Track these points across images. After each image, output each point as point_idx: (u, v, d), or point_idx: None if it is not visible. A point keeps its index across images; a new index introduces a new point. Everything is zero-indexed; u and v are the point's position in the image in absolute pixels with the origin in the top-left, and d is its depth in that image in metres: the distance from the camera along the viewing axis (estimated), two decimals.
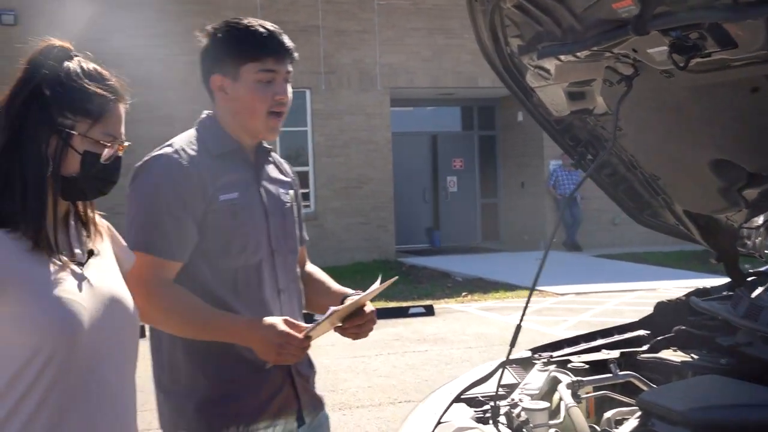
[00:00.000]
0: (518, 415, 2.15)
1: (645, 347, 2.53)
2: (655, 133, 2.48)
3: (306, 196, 15.06)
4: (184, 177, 2.15)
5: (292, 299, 2.33)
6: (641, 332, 2.70)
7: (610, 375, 2.33)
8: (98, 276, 1.78)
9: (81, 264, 1.77)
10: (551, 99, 2.53)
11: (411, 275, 13.67)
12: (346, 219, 15.34)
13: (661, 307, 2.79)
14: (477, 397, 2.50)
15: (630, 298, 10.72)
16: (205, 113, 2.35)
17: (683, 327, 2.53)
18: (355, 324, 2.20)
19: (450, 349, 8.04)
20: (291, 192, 2.40)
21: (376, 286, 2.20)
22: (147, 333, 2.33)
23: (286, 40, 2.21)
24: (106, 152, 1.77)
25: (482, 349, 7.98)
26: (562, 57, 2.16)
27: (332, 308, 2.11)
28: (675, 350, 2.45)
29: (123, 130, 1.84)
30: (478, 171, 18.25)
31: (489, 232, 18.20)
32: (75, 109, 1.75)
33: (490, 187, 18.28)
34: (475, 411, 2.38)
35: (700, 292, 2.76)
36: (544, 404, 2.14)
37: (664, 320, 2.72)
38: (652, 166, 2.67)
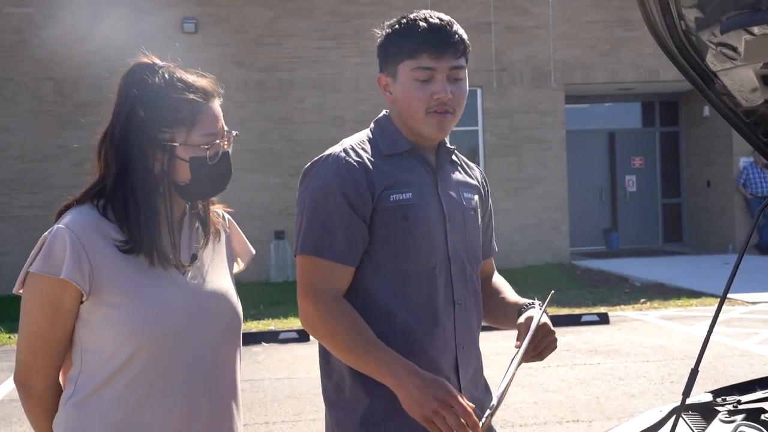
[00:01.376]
0: None
1: None
2: None
3: None
4: (351, 176, 2.02)
5: (469, 314, 2.15)
6: None
7: None
8: (199, 277, 1.94)
9: (185, 266, 1.91)
10: (739, 85, 2.08)
11: (585, 279, 13.03)
12: (518, 220, 14.85)
13: None
14: None
15: None
16: (382, 113, 2.22)
17: None
18: (538, 347, 2.01)
19: (625, 362, 7.46)
20: (476, 197, 2.24)
21: (545, 303, 2.06)
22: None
23: (449, 33, 2.03)
24: (210, 152, 1.87)
25: (661, 364, 7.34)
26: (755, 29, 1.72)
27: (513, 364, 1.89)
28: None
29: (223, 125, 1.91)
30: (660, 169, 17.22)
31: (671, 233, 17.14)
32: (169, 122, 1.85)
33: (672, 187, 17.22)
34: None
35: None
36: None
37: None
38: None
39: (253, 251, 2.17)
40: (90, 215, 1.85)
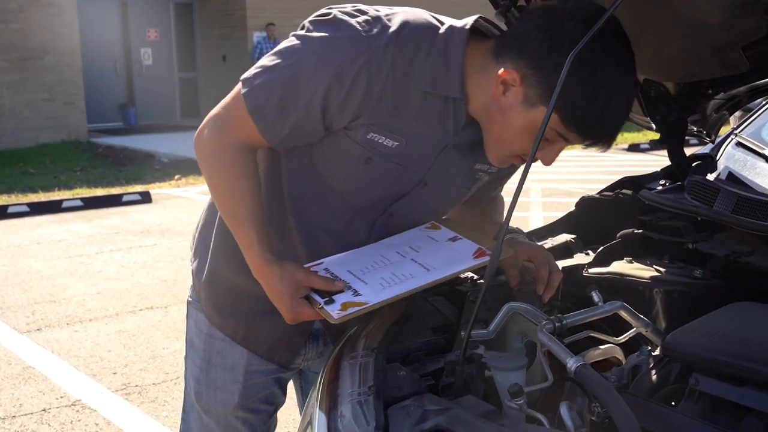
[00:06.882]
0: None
1: (585, 258, 1.95)
2: None
3: None
4: (352, 84, 1.46)
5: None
6: (566, 236, 2.09)
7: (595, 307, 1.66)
8: None
9: None
10: None
11: (110, 157, 12.33)
12: (26, 95, 13.44)
13: (585, 204, 2.21)
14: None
15: None
16: (468, 22, 1.54)
17: (634, 230, 1.98)
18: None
19: (181, 241, 7.13)
20: (492, 170, 1.72)
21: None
22: None
23: (616, 132, 1.47)
24: None
25: None
26: None
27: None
28: (630, 261, 1.90)
29: None
30: (175, 42, 16.83)
31: (189, 108, 17.01)
32: None
33: (188, 61, 17.00)
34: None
35: (631, 182, 2.22)
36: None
37: (593, 221, 2.16)
38: None
39: None
40: None
